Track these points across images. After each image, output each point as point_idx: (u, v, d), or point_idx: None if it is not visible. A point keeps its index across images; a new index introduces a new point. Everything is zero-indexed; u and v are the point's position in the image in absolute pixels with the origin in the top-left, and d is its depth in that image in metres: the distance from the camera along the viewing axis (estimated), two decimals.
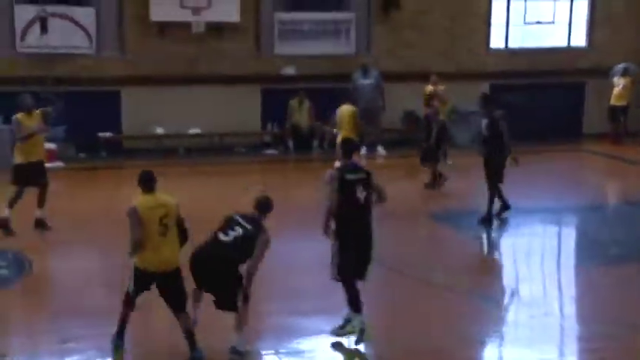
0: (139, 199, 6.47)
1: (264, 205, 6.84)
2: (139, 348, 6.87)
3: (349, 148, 7.22)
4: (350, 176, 6.82)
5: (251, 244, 6.55)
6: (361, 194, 6.78)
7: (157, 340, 7.04)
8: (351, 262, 6.81)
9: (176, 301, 6.43)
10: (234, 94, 17.10)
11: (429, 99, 14.58)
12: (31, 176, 10.24)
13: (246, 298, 6.51)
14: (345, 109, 13.48)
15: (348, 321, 6.89)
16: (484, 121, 11.08)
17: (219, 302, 6.58)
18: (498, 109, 11.14)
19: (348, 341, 6.99)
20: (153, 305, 6.77)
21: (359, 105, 16.64)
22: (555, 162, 15.66)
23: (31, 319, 7.33)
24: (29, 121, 10.36)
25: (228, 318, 6.57)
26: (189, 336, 6.39)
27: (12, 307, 7.81)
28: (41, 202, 10.39)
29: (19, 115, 10.38)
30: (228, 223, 6.73)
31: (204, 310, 6.67)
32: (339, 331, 6.95)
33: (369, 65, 16.79)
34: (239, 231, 6.60)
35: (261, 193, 7.09)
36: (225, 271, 6.52)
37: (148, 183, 6.53)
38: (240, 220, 6.71)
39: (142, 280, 6.43)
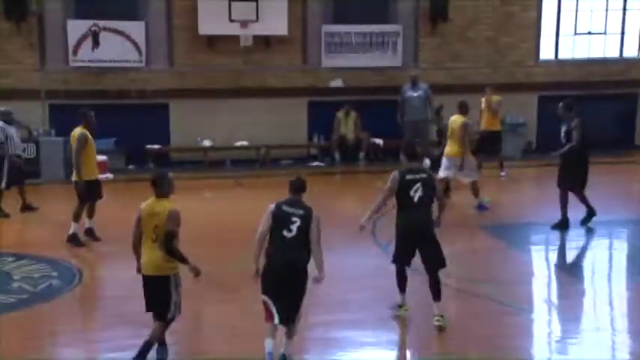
0: (146, 202, 6.54)
1: (300, 186, 6.78)
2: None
3: (413, 152, 7.74)
4: (409, 176, 7.44)
5: (307, 228, 6.45)
6: (415, 193, 7.37)
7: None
8: (401, 251, 7.58)
9: (156, 307, 6.46)
10: (281, 106, 17.21)
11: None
12: (95, 192, 10.36)
13: None
14: (454, 120, 12.44)
15: (400, 306, 7.65)
16: (563, 129, 11.14)
17: (291, 313, 6.38)
18: (577, 117, 11.08)
19: (389, 354, 6.93)
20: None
21: (406, 117, 16.65)
22: (607, 174, 15.32)
23: (80, 328, 7.43)
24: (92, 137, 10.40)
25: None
26: (146, 346, 6.32)
27: (62, 317, 7.92)
28: (91, 213, 10.51)
29: (86, 131, 10.31)
30: (283, 218, 6.45)
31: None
32: (395, 312, 7.63)
33: (417, 78, 16.71)
34: (298, 221, 6.42)
35: (294, 176, 6.94)
36: (304, 276, 6.38)
37: (153, 187, 6.51)
38: (290, 209, 6.52)
39: (143, 283, 6.53)
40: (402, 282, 7.72)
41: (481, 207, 12.34)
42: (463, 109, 12.33)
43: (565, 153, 10.96)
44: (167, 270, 6.42)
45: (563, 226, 11.12)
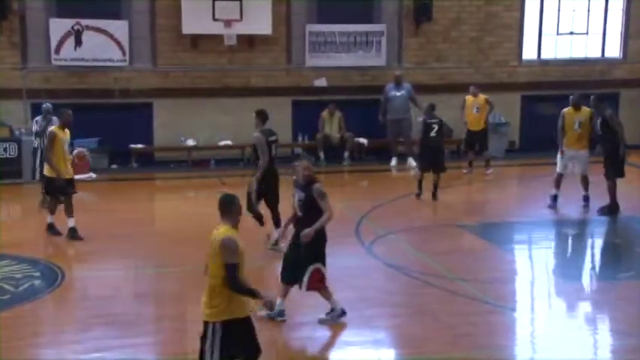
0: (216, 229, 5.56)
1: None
2: None
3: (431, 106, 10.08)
4: (430, 120, 12.75)
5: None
6: (435, 133, 12.79)
7: None
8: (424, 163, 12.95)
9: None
10: (265, 105, 16.98)
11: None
12: (60, 190, 10.56)
13: None
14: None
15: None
16: (597, 120, 12.00)
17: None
18: (608, 109, 12.16)
19: (373, 353, 6.94)
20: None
21: (389, 116, 16.69)
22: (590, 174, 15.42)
23: (62, 328, 7.38)
24: (64, 135, 10.58)
25: None
26: None
27: (44, 317, 7.88)
28: (70, 212, 10.60)
29: (55, 128, 10.60)
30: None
31: None
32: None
33: (401, 77, 16.75)
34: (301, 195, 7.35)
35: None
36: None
37: (221, 211, 5.57)
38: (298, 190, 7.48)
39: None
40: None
41: None
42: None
43: (612, 142, 11.69)
44: (209, 315, 5.40)
45: (613, 210, 11.81)
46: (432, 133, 13.01)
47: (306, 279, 7.25)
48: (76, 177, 14.77)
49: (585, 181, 12.42)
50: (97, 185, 14.98)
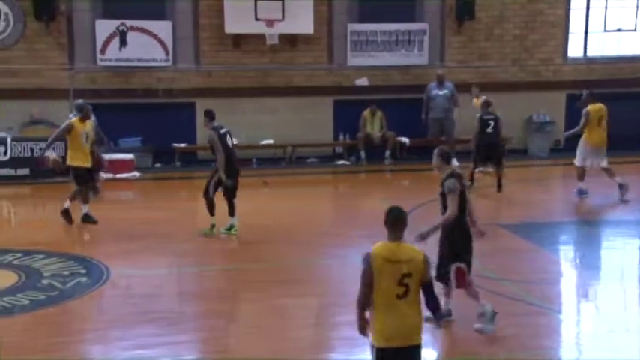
0: (377, 245, 5.02)
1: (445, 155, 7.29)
2: None
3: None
4: (486, 117, 13.33)
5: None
6: (491, 129, 13.25)
7: None
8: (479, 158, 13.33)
9: None
10: (307, 105, 17.22)
11: None
12: (82, 179, 11.21)
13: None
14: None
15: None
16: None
17: None
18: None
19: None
20: None
21: (431, 115, 16.59)
22: (636, 173, 15.14)
23: (107, 325, 7.49)
24: (83, 127, 11.17)
25: None
26: None
27: (89, 313, 8.00)
28: (85, 199, 11.31)
29: (74, 120, 11.20)
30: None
31: None
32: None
33: (444, 76, 16.64)
34: None
35: None
36: None
37: (394, 225, 5.02)
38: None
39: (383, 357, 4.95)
40: None
41: None
42: None
43: None
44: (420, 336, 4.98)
45: None
46: (489, 129, 13.33)
47: (452, 277, 7.09)
48: (121, 176, 15.13)
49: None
50: (140, 184, 15.18)
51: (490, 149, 13.39)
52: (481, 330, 7.01)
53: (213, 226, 10.48)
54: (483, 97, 14.93)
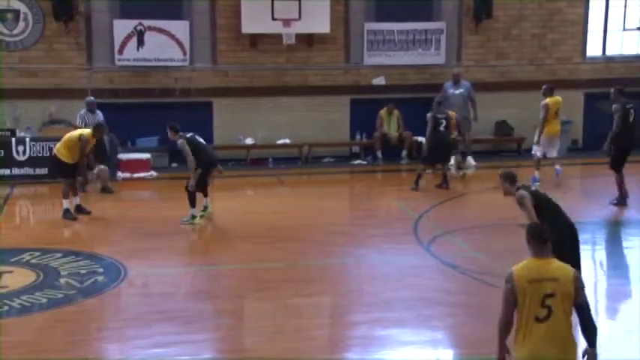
0: (521, 263, 4.74)
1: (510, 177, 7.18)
2: None
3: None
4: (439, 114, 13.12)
5: None
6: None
7: None
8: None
9: None
10: (323, 104, 17.22)
11: None
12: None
13: None
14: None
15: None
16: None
17: None
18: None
19: (431, 353, 6.89)
20: None
21: None
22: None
23: (124, 324, 7.53)
24: (92, 142, 11.96)
25: None
26: None
27: (107, 312, 8.05)
28: (75, 192, 11.93)
29: (90, 137, 11.79)
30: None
31: None
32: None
33: (460, 75, 16.59)
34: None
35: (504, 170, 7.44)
36: None
37: (536, 241, 4.72)
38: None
39: None
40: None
41: None
42: None
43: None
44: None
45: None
46: (441, 128, 13.65)
47: None
48: (138, 175, 15.22)
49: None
50: (157, 183, 15.25)
51: (441, 148, 13.63)
52: None
53: (201, 213, 11.37)
54: None
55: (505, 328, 4.65)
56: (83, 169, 11.84)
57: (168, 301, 8.11)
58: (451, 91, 16.52)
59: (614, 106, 12.20)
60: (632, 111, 12.10)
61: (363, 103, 17.25)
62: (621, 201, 12.10)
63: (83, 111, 14.46)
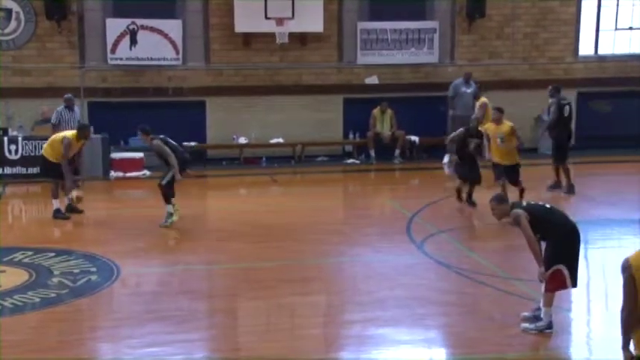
0: (636, 252, 4.47)
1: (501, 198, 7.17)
2: None
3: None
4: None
5: None
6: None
7: None
8: None
9: None
10: (317, 103, 17.24)
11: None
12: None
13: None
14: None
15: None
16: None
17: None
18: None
19: (425, 352, 6.90)
20: None
21: (457, 112, 16.54)
22: None
23: (117, 323, 7.51)
24: (77, 145, 11.80)
25: None
26: None
27: (100, 311, 8.03)
28: (55, 194, 11.79)
29: (72, 139, 11.59)
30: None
31: None
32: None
33: (471, 75, 16.61)
34: None
35: None
36: None
37: None
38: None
39: None
40: None
41: None
42: None
43: None
44: None
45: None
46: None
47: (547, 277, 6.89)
48: (131, 174, 15.18)
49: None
50: (150, 182, 15.17)
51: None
52: (526, 330, 7.01)
53: (173, 213, 11.14)
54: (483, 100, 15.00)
55: (628, 319, 4.36)
56: (66, 173, 11.48)
57: (161, 300, 8.08)
58: (463, 89, 16.54)
59: (550, 100, 13.52)
60: (567, 107, 13.42)
61: (357, 102, 17.27)
62: (558, 186, 13.39)
63: (60, 107, 14.38)
